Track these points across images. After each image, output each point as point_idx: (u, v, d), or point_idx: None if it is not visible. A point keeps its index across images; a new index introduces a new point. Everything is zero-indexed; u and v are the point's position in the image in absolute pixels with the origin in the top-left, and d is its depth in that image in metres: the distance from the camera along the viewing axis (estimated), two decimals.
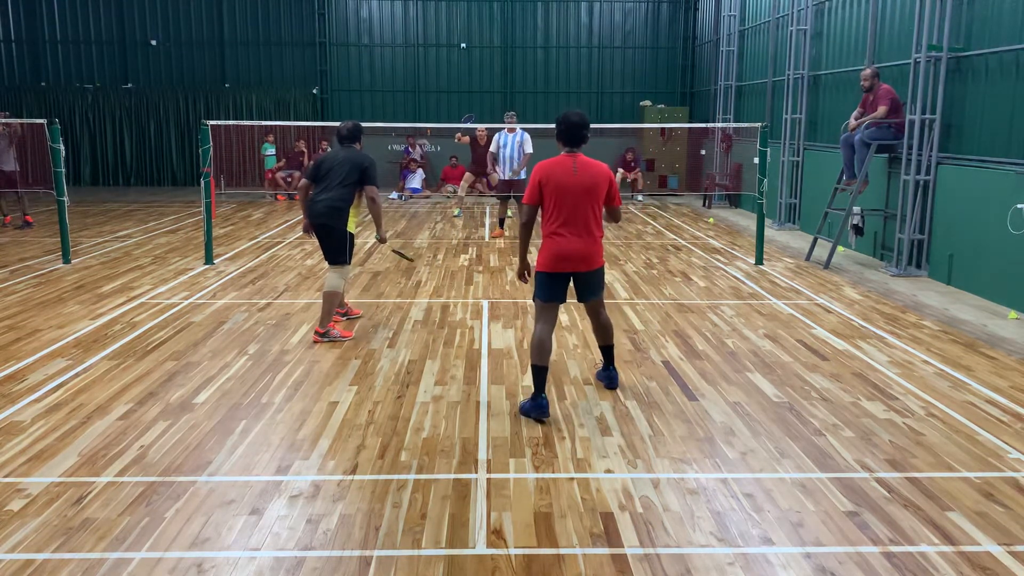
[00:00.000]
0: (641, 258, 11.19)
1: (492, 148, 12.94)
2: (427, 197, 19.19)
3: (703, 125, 18.86)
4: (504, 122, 13.05)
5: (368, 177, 6.96)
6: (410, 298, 8.64)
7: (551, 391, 5.69)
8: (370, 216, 7.24)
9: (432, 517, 3.95)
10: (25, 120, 12.62)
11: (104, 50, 21.22)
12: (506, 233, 13.10)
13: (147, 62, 21.29)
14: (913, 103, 9.84)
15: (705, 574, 3.47)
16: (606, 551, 3.64)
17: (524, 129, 12.72)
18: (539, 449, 4.75)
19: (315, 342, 6.91)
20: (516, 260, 10.85)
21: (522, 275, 5.54)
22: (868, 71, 10.29)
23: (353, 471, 4.45)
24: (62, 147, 10.36)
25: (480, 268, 10.36)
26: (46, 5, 20.96)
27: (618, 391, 5.75)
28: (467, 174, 15.58)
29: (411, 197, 18.92)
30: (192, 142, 20.59)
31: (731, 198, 17.80)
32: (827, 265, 10.39)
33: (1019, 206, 7.93)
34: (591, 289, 5.42)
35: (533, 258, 5.51)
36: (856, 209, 10.70)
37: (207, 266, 10.31)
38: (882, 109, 10.04)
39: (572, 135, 5.21)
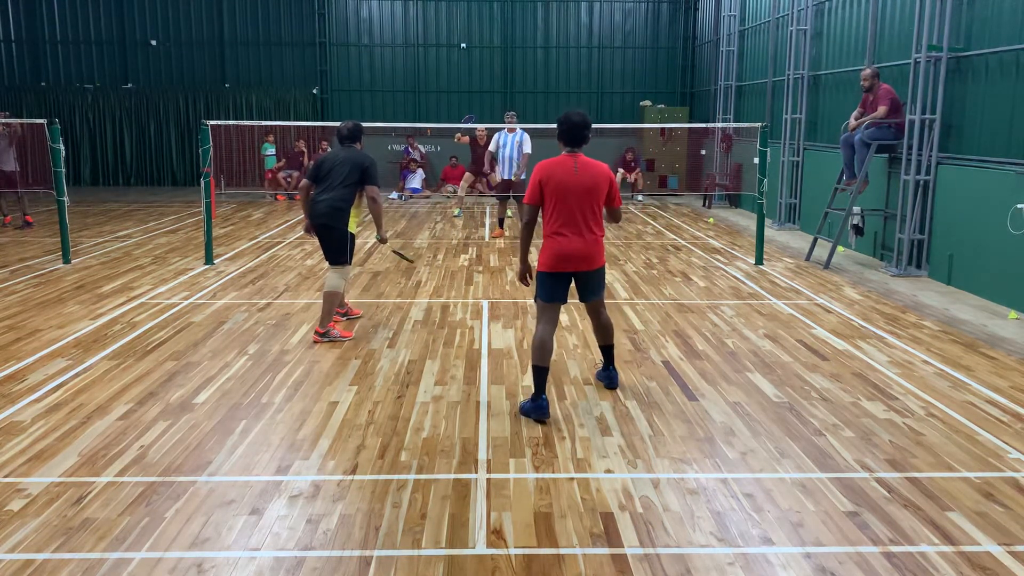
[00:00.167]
0: (641, 258, 11.19)
1: (491, 147, 12.93)
2: (427, 197, 19.19)
3: (703, 125, 18.86)
4: (504, 122, 13.04)
5: (369, 177, 6.96)
6: (410, 298, 8.64)
7: (551, 391, 5.69)
8: (371, 216, 7.25)
9: (432, 517, 3.95)
10: (25, 120, 12.62)
11: (104, 50, 21.22)
12: (506, 233, 13.10)
13: (147, 62, 21.29)
14: (913, 103, 9.84)
15: (705, 574, 3.47)
16: (606, 551, 3.64)
17: (524, 129, 12.71)
18: (539, 449, 4.75)
19: (315, 342, 6.91)
20: (516, 260, 10.88)
21: (523, 278, 5.52)
22: (868, 71, 10.29)
23: (353, 471, 4.45)
24: (62, 147, 10.36)
25: (480, 268, 10.36)
26: (46, 5, 20.96)
27: (618, 391, 5.75)
28: (467, 174, 15.59)
29: (411, 197, 18.92)
30: (192, 142, 20.59)
31: (731, 198, 17.80)
32: (827, 265, 10.39)
33: (1019, 206, 7.93)
34: (592, 289, 5.42)
35: (533, 259, 5.50)
36: (856, 209, 10.71)
37: (207, 266, 10.31)
38: (882, 109, 10.04)
39: (573, 135, 5.21)
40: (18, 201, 13.68)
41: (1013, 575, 3.49)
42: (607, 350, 5.81)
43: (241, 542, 3.71)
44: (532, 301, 8.21)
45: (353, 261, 7.41)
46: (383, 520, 3.92)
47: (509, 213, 14.00)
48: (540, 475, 4.41)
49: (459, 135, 16.06)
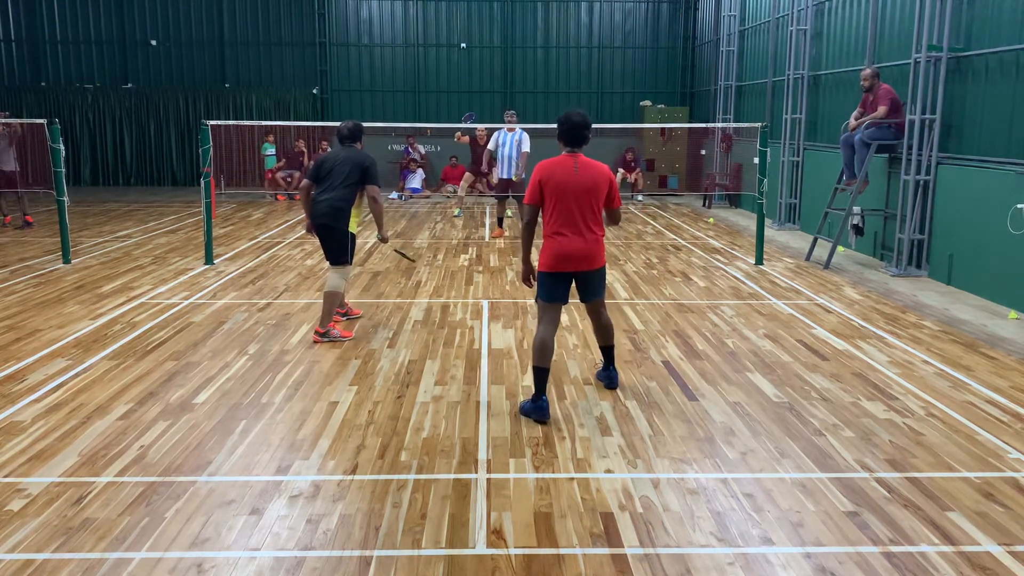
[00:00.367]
0: (641, 258, 11.19)
1: (490, 146, 12.92)
2: (427, 197, 19.19)
3: (703, 125, 18.86)
4: (504, 121, 13.03)
5: (369, 177, 6.96)
6: (410, 298, 8.64)
7: (551, 391, 5.69)
8: (371, 216, 7.24)
9: (432, 517, 3.95)
10: (25, 120, 12.62)
11: (104, 50, 21.21)
12: (506, 232, 13.10)
13: (147, 62, 21.29)
14: (913, 103, 9.84)
15: (705, 574, 3.47)
16: (606, 551, 3.64)
17: (524, 129, 12.70)
18: (539, 449, 4.75)
19: (315, 342, 6.91)
20: (516, 260, 10.88)
21: (527, 278, 5.50)
22: (868, 71, 10.29)
23: (353, 471, 4.45)
24: (62, 147, 10.36)
25: (480, 268, 10.36)
26: (46, 5, 20.96)
27: (618, 391, 5.75)
28: (467, 174, 15.59)
29: (411, 197, 18.92)
30: (192, 142, 20.59)
31: (731, 198, 17.80)
32: (827, 265, 10.39)
33: (1019, 206, 7.93)
34: (593, 289, 5.41)
35: (534, 259, 5.49)
36: (856, 209, 10.71)
37: (207, 266, 10.31)
38: (882, 109, 10.04)
39: (574, 135, 5.21)
40: (18, 201, 13.68)
41: (1013, 575, 3.49)
42: (607, 351, 5.81)
43: (241, 542, 3.71)
44: (532, 301, 8.21)
45: (353, 261, 7.41)
46: (383, 520, 3.92)
47: (509, 213, 14.00)
48: (540, 475, 4.41)
49: (459, 134, 16.06)
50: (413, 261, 9.87)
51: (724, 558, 3.59)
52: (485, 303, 8.43)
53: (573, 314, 7.78)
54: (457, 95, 21.54)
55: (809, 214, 13.48)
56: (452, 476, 4.40)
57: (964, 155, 9.26)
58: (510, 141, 12.55)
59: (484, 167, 15.08)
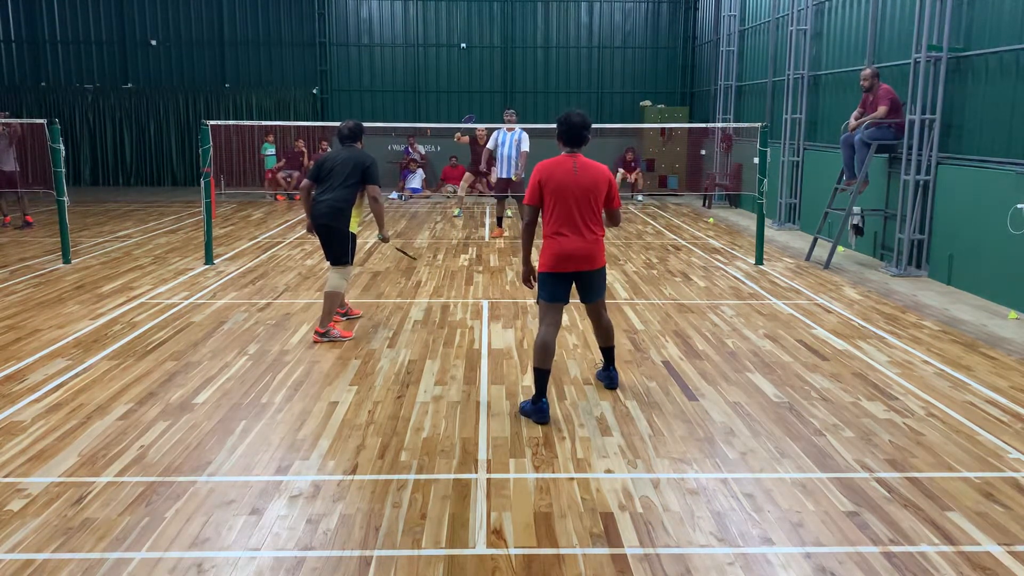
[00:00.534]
0: (641, 258, 11.19)
1: (490, 145, 12.90)
2: (427, 197, 19.19)
3: (703, 125, 18.87)
4: (503, 120, 13.02)
5: (370, 176, 6.96)
6: (410, 298, 8.64)
7: (551, 391, 5.69)
8: (372, 216, 7.24)
9: (432, 517, 3.95)
10: (25, 120, 12.63)
11: (104, 50, 21.22)
12: (505, 232, 13.10)
13: (147, 62, 21.29)
14: (913, 103, 9.84)
15: (705, 574, 3.47)
16: (606, 551, 3.64)
17: (523, 129, 12.69)
18: (539, 449, 4.75)
19: (315, 342, 6.91)
20: (516, 260, 10.88)
21: (527, 279, 5.49)
22: (868, 71, 10.29)
23: (353, 471, 4.45)
24: (62, 147, 10.36)
25: (480, 268, 10.36)
26: (46, 5, 20.96)
27: (618, 391, 5.75)
28: (467, 174, 15.59)
29: (411, 197, 18.92)
30: (192, 142, 20.59)
31: (731, 198, 17.80)
32: (827, 265, 10.39)
33: (1019, 206, 7.93)
34: (594, 290, 5.41)
35: (534, 259, 5.49)
36: (856, 209, 10.71)
37: (207, 266, 10.32)
38: (882, 109, 10.04)
39: (573, 136, 5.20)
40: (18, 201, 13.68)
41: (1013, 575, 3.49)
42: (608, 351, 5.81)
43: (241, 542, 3.71)
44: (532, 302, 8.21)
45: (354, 261, 7.41)
46: (383, 520, 3.92)
47: (508, 212, 13.99)
48: (540, 475, 4.41)
49: (459, 135, 16.06)
50: (414, 259, 9.88)
51: (724, 558, 3.59)
52: (485, 303, 8.43)
53: (573, 314, 7.79)
54: (457, 95, 21.54)
55: (809, 214, 13.48)
56: (452, 476, 4.40)
57: (964, 155, 9.26)
58: (509, 141, 12.53)
59: (483, 166, 15.07)
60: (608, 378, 5.82)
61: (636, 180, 18.72)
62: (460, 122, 18.81)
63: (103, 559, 3.56)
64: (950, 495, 4.19)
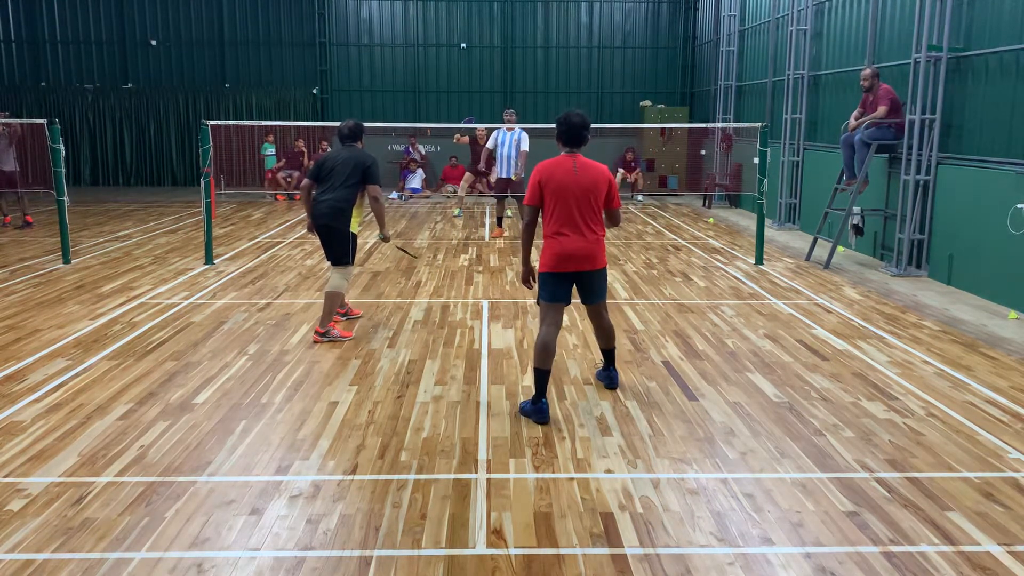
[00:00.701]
0: (641, 258, 11.19)
1: (489, 145, 12.89)
2: (427, 197, 19.19)
3: (703, 125, 18.87)
4: (503, 120, 13.01)
5: (370, 176, 6.96)
6: (410, 298, 8.64)
7: (551, 391, 5.69)
8: (372, 215, 7.24)
9: (432, 517, 3.95)
10: (25, 120, 12.63)
11: (104, 50, 21.22)
12: (505, 232, 13.10)
13: (147, 62, 21.29)
14: (913, 103, 9.84)
15: (705, 574, 3.47)
16: (606, 551, 3.64)
17: (523, 129, 12.68)
18: (539, 449, 4.75)
19: (315, 342, 6.91)
20: (516, 260, 10.88)
21: (527, 280, 5.49)
22: (868, 71, 10.29)
23: (353, 471, 4.45)
24: (62, 147, 10.36)
25: (480, 268, 10.36)
26: (46, 5, 20.96)
27: (618, 391, 5.75)
28: (467, 174, 15.58)
29: (411, 197, 18.92)
30: (192, 142, 20.59)
31: (731, 198, 17.80)
32: (827, 265, 10.39)
33: (1019, 206, 7.93)
34: (595, 291, 5.40)
35: (534, 260, 5.49)
36: (856, 209, 10.71)
37: (207, 266, 10.32)
38: (882, 109, 10.04)
39: (573, 136, 5.21)
40: (18, 201, 13.68)
41: (1013, 575, 3.49)
42: (608, 352, 5.81)
43: (241, 542, 3.71)
44: (533, 302, 8.21)
45: (355, 261, 7.41)
46: (383, 520, 3.92)
47: (508, 212, 13.99)
48: (540, 475, 4.41)
49: (458, 136, 16.05)
50: (415, 257, 9.88)
51: (724, 558, 3.59)
52: (485, 303, 8.43)
53: (573, 314, 7.78)
54: (457, 95, 21.54)
55: (809, 214, 13.48)
56: (452, 476, 4.40)
57: (964, 155, 9.26)
58: (509, 140, 12.52)
59: (482, 166, 15.07)
60: (608, 378, 5.82)
61: (636, 180, 18.72)
62: (460, 123, 18.81)
63: (103, 559, 3.56)
64: (950, 495, 4.19)
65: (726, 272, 10.15)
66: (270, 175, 18.75)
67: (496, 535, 3.78)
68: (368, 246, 11.68)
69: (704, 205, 17.87)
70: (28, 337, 7.05)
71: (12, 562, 3.54)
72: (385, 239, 7.30)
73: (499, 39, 21.48)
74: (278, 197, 18.23)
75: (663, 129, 19.57)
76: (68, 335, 7.10)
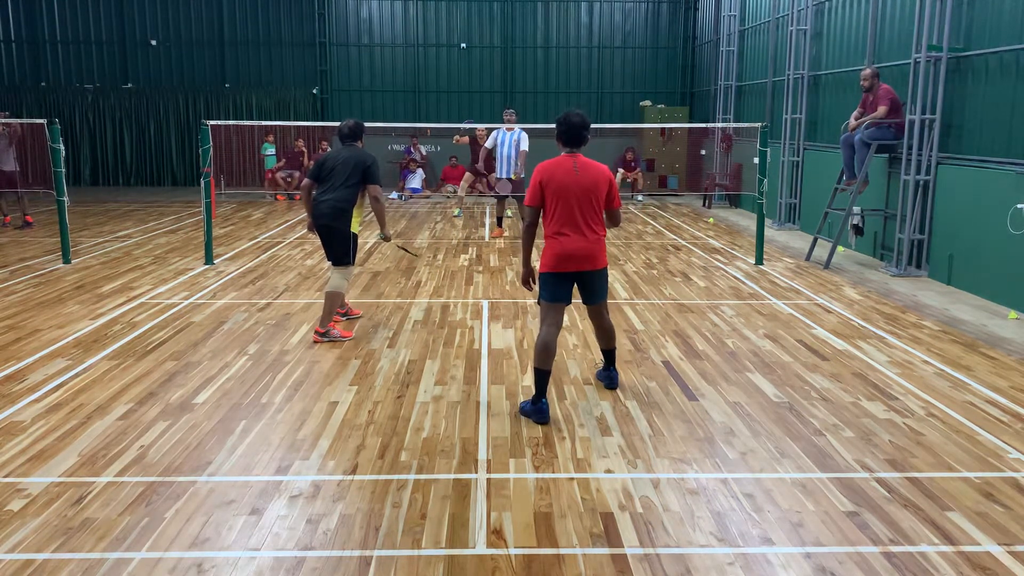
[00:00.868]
0: (641, 258, 11.19)
1: (488, 144, 12.89)
2: (427, 197, 19.19)
3: (703, 125, 18.86)
4: (503, 120, 13.01)
5: (371, 176, 6.95)
6: (410, 298, 8.64)
7: (551, 391, 5.69)
8: (372, 215, 7.24)
9: (432, 517, 3.95)
10: (25, 120, 12.63)
11: (104, 50, 21.22)
12: (505, 232, 13.10)
13: (147, 62, 21.29)
14: (913, 103, 9.84)
15: (705, 574, 3.47)
16: (606, 551, 3.64)
17: (523, 129, 12.67)
18: (539, 449, 4.75)
19: (315, 342, 6.91)
20: (516, 260, 10.88)
21: (527, 281, 5.49)
22: (868, 71, 10.29)
23: (353, 471, 4.45)
24: (62, 147, 10.36)
25: (480, 268, 10.36)
26: (46, 5, 20.96)
27: (618, 391, 5.75)
28: (467, 174, 15.58)
29: (411, 197, 18.92)
30: (192, 142, 20.60)
31: (731, 198, 17.80)
32: (827, 265, 10.39)
33: (1019, 206, 7.93)
34: (596, 292, 5.40)
35: (534, 260, 5.49)
36: (856, 209, 10.71)
37: (207, 266, 10.32)
38: (882, 109, 10.04)
39: (573, 136, 5.21)
40: (18, 201, 13.68)
41: (1013, 575, 3.49)
42: (608, 353, 5.81)
43: (241, 542, 3.71)
44: (533, 302, 8.21)
45: (355, 261, 7.41)
46: (383, 520, 3.92)
47: (509, 212, 13.99)
48: (540, 475, 4.41)
49: (457, 136, 16.04)
50: (416, 256, 9.88)
51: (724, 558, 3.59)
52: (485, 303, 8.43)
53: (573, 314, 7.78)
54: (457, 95, 21.54)
55: (809, 214, 13.48)
56: (452, 476, 4.40)
57: (964, 155, 9.26)
58: (509, 140, 12.51)
59: (480, 165, 15.06)
60: (608, 378, 5.82)
61: (636, 180, 18.72)
62: (460, 125, 18.80)
63: (103, 559, 3.56)
64: (950, 495, 4.19)
65: (726, 272, 10.15)
66: (270, 175, 18.75)
67: (496, 535, 3.78)
68: (368, 246, 11.68)
69: (704, 205, 17.87)
70: (28, 337, 7.05)
71: (12, 562, 3.54)
72: (386, 239, 7.31)
73: (499, 39, 21.48)
74: (278, 197, 18.23)
75: (663, 129, 19.57)
76: (68, 335, 7.10)
